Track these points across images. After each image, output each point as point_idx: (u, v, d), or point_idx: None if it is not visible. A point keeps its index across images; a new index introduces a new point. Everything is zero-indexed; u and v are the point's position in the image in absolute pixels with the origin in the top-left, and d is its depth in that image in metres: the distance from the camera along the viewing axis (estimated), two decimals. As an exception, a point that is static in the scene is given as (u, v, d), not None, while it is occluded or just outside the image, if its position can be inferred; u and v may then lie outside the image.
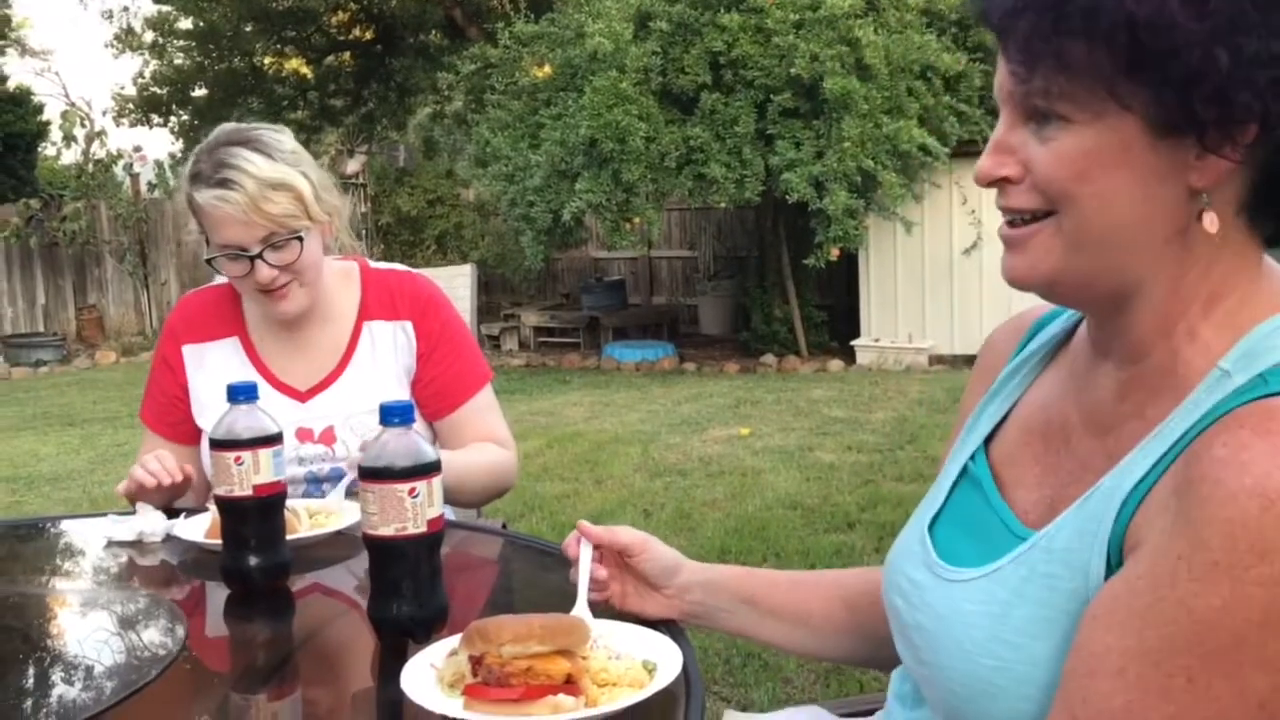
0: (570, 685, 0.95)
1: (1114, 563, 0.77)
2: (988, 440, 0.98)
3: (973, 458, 0.98)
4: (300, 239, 1.76)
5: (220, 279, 1.94)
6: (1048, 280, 0.84)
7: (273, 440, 1.34)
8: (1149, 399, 0.82)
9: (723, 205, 8.31)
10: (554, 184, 8.20)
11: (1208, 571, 0.68)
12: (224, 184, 1.70)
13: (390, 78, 14.74)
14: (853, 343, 8.99)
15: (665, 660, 1.02)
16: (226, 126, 1.81)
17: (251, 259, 1.74)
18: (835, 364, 8.87)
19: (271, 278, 1.75)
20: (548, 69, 8.91)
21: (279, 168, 1.74)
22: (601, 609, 1.15)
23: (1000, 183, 0.84)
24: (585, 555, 1.17)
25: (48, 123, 15.60)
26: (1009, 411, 0.99)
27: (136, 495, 1.68)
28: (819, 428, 6.42)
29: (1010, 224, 0.85)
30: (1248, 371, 0.76)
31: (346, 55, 15.32)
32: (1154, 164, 0.78)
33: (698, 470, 5.52)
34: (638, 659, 1.03)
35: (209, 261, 1.79)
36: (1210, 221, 0.78)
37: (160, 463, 1.67)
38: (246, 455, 1.31)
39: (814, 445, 5.95)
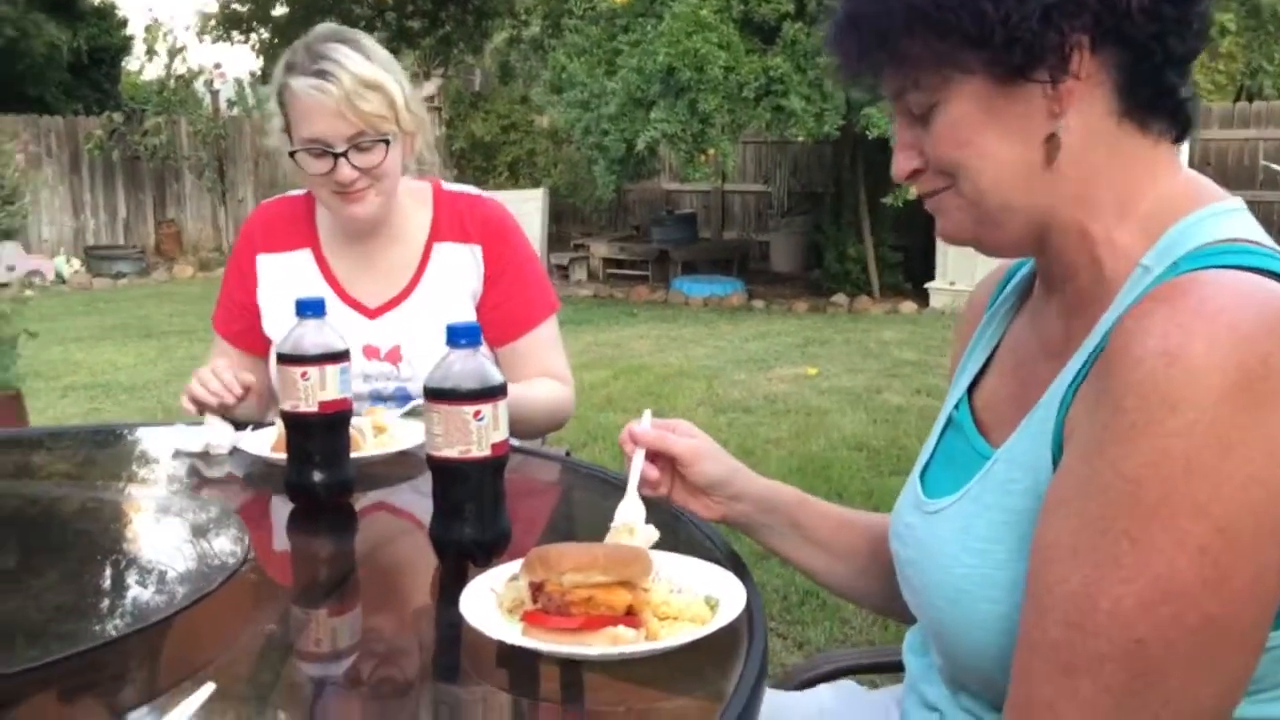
0: (631, 617, 0.93)
1: (1057, 456, 0.82)
2: (971, 389, 1.03)
3: (957, 406, 1.03)
4: (386, 143, 1.75)
5: (295, 191, 1.94)
6: (972, 236, 0.91)
7: (339, 357, 1.33)
8: (1086, 309, 0.87)
9: (800, 139, 8.14)
10: (629, 112, 8.09)
11: (1128, 433, 0.72)
12: (321, 74, 1.70)
13: (468, 0, 14.63)
14: (927, 285, 8.83)
15: (728, 597, 1.00)
16: (325, 26, 1.81)
17: (335, 156, 1.73)
18: (908, 306, 8.73)
19: (352, 179, 1.75)
20: (627, -6, 8.75)
21: (375, 69, 1.74)
22: (651, 505, 1.15)
23: (913, 175, 0.92)
24: (639, 453, 1.17)
25: (131, 37, 15.81)
26: (989, 359, 1.04)
27: (196, 411, 1.69)
28: (888, 370, 6.34)
29: (925, 198, 0.93)
30: (1164, 262, 0.81)
31: (425, -24, 15.22)
32: (1014, 109, 0.85)
33: (763, 408, 5.49)
34: (700, 594, 1.01)
35: (291, 155, 1.77)
36: (1064, 141, 0.84)
37: (218, 378, 1.68)
38: (313, 371, 1.31)
39: (882, 387, 5.88)
